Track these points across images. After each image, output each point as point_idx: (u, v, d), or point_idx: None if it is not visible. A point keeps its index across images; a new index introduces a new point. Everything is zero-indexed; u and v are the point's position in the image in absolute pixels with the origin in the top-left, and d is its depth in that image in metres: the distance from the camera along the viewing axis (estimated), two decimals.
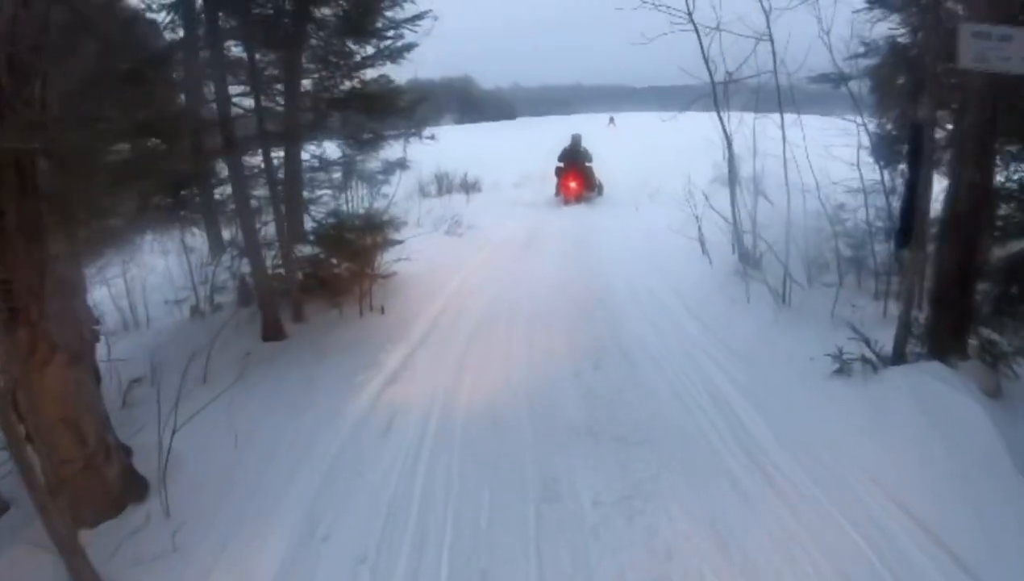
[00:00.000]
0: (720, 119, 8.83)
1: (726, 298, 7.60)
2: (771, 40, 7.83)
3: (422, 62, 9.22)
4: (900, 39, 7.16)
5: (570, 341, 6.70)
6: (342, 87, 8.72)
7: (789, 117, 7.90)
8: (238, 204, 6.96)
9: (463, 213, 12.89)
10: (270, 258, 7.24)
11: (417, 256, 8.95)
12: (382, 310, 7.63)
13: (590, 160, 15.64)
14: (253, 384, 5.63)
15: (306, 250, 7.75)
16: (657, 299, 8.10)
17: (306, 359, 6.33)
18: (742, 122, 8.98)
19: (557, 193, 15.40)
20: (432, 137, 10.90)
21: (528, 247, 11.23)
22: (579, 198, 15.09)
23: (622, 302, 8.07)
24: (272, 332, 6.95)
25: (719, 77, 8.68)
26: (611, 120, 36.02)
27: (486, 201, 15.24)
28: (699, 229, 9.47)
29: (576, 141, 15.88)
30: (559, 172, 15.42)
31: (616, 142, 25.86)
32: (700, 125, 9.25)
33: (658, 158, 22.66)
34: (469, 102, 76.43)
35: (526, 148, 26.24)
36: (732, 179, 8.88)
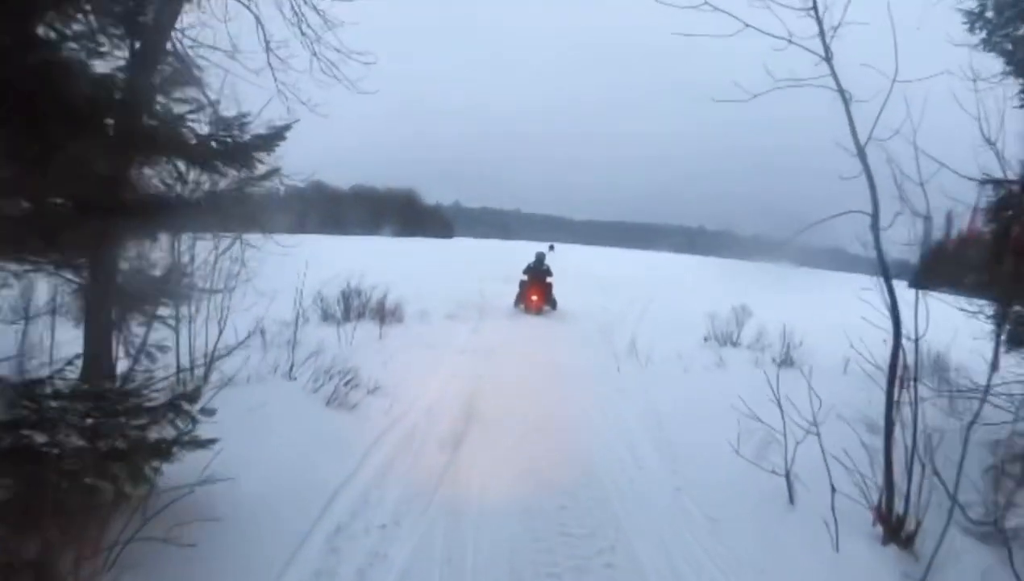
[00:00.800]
0: (887, 281, 4.68)
1: None
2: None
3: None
4: None
5: None
6: None
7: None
8: None
9: (367, 359, 8.28)
10: None
11: (243, 467, 4.18)
12: None
13: (551, 275, 16.22)
14: None
15: None
16: None
17: None
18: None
19: (518, 304, 15.89)
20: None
21: (464, 443, 6.44)
22: (539, 310, 15.52)
23: None
24: None
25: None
26: (551, 248, 33.88)
27: (407, 339, 10.59)
28: (781, 448, 5.06)
29: (540, 258, 16.61)
30: (523, 285, 16.02)
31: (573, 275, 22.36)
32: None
33: (619, 296, 19.23)
34: (410, 216, 74.26)
35: (460, 269, 22.57)
36: (895, 373, 4.63)
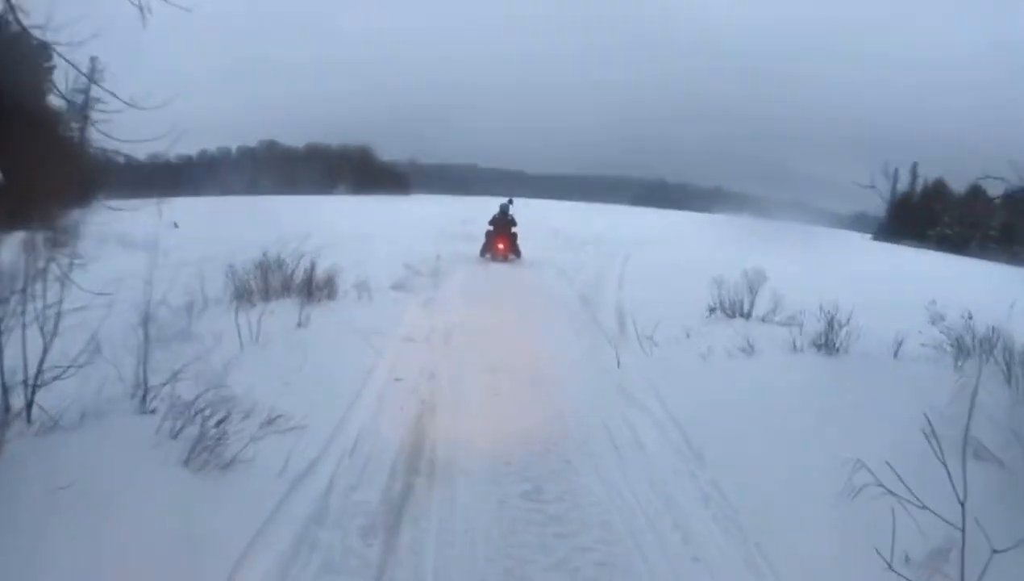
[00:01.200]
0: None
1: None
2: None
3: None
4: None
5: None
6: None
7: None
8: None
9: (273, 363, 5.78)
10: None
11: None
12: None
13: (516, 225, 16.54)
14: None
15: None
16: None
17: None
18: None
19: (484, 253, 16.28)
20: None
21: (405, 529, 3.91)
22: (506, 257, 16.01)
23: None
24: None
25: None
26: (509, 202, 31.23)
27: (337, 324, 7.98)
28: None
29: (504, 208, 16.77)
30: (489, 234, 16.42)
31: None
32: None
33: (592, 254, 16.92)
34: (365, 173, 70.56)
35: (414, 229, 20.07)
36: None
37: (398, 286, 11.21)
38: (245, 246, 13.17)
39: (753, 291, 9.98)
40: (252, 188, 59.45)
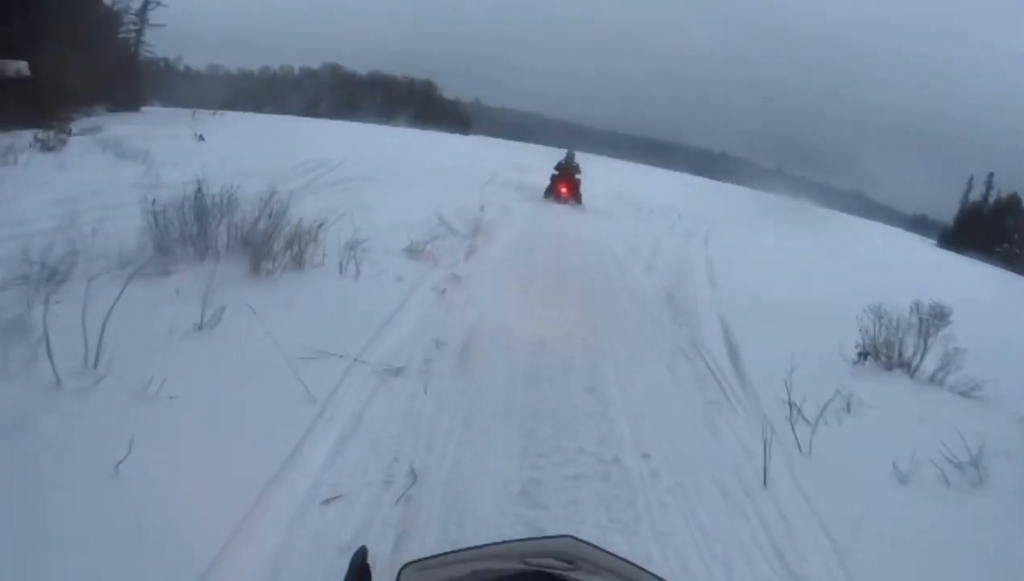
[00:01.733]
0: None
1: None
2: None
3: None
4: None
5: None
6: None
7: None
8: None
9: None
10: None
11: None
12: None
13: (580, 173, 16.59)
14: None
15: None
16: None
17: None
18: None
19: (547, 195, 16.32)
20: None
21: None
22: (568, 200, 16.01)
23: None
24: None
25: None
26: (571, 154, 28.56)
27: (259, 338, 4.36)
28: None
29: (570, 156, 17.04)
30: (554, 178, 16.60)
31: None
32: None
33: (668, 230, 13.48)
34: (427, 108, 66.99)
35: (463, 170, 17.05)
36: None
37: (413, 250, 7.79)
38: (261, 169, 10.35)
39: (926, 331, 6.40)
40: (310, 110, 56.79)
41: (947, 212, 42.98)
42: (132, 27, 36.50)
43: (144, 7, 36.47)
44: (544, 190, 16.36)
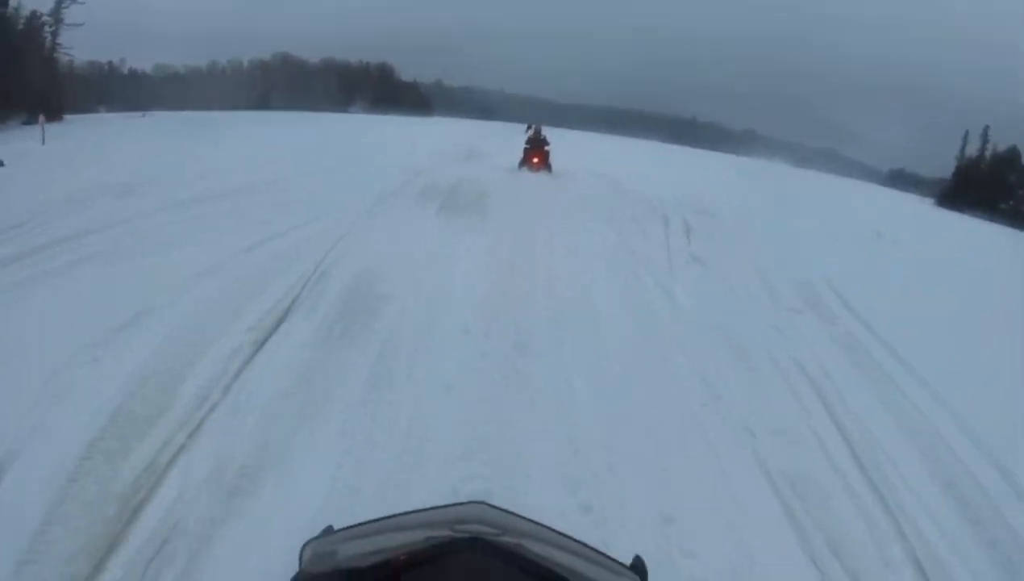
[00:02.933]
0: None
1: None
2: None
3: None
4: None
5: None
6: None
7: None
8: None
9: None
10: None
11: None
12: None
13: (548, 145, 17.39)
14: None
15: None
16: None
17: None
18: None
19: (521, 166, 16.96)
20: None
21: None
22: (540, 169, 16.68)
23: None
24: None
25: None
26: (528, 127, 26.93)
27: None
28: None
29: (537, 130, 17.96)
30: (526, 151, 17.37)
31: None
32: None
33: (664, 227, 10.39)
34: (385, 92, 62.73)
35: (389, 164, 13.70)
36: None
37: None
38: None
39: None
40: (261, 103, 52.37)
41: (925, 166, 40.71)
42: (47, 29, 32.32)
43: (57, 6, 32.15)
44: (518, 162, 17.27)
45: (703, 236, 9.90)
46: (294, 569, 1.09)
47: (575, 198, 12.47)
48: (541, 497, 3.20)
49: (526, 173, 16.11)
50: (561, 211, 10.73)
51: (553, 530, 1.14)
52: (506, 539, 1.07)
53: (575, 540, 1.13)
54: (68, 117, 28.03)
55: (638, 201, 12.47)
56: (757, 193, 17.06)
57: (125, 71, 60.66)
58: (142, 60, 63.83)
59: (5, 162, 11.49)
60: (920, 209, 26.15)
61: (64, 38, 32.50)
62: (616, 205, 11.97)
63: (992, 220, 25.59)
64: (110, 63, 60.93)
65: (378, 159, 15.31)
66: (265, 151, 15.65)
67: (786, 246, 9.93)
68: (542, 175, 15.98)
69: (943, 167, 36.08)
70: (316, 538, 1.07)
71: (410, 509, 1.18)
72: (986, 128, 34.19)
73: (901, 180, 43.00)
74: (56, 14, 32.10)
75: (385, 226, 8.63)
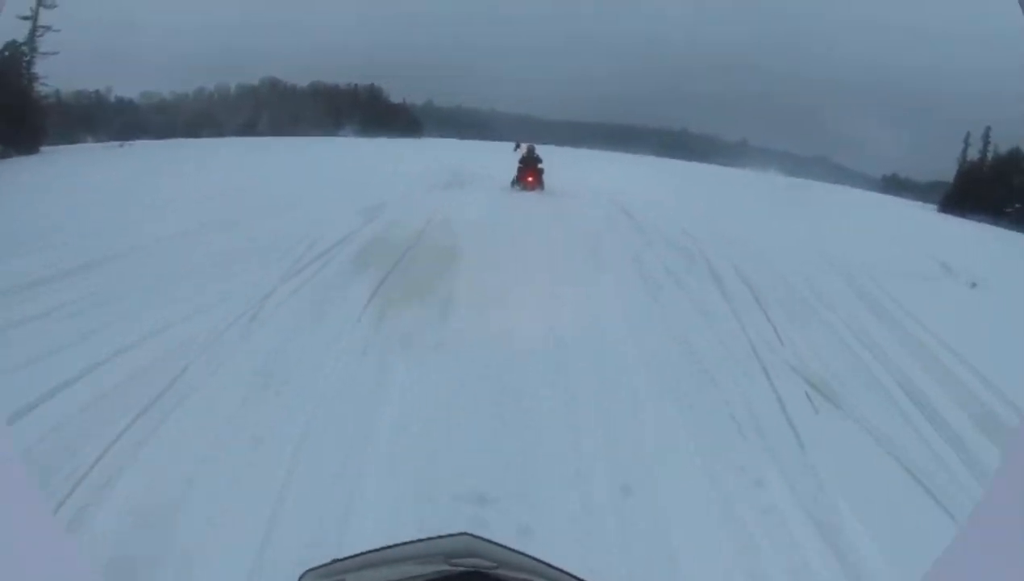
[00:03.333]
0: None
1: None
2: None
3: None
4: None
5: None
6: None
7: None
8: None
9: None
10: None
11: None
12: None
13: (541, 162, 18.21)
14: None
15: None
16: None
17: None
18: None
19: (515, 184, 17.99)
20: None
21: None
22: (533, 188, 17.63)
23: None
24: None
25: None
26: (516, 147, 26.50)
27: None
28: None
29: (530, 149, 18.89)
30: (520, 170, 18.36)
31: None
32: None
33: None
34: (374, 114, 61.14)
35: (350, 197, 11.39)
36: None
37: None
38: None
39: None
40: (248, 130, 50.64)
41: (917, 170, 38.76)
42: (24, 60, 30.62)
43: (31, 35, 30.41)
44: (511, 181, 18.27)
45: (776, 304, 7.50)
46: None
47: (583, 241, 10.15)
48: None
49: (516, 205, 16.13)
50: (569, 273, 8.32)
51: (543, 562, 1.15)
52: (503, 572, 1.11)
53: (567, 573, 1.14)
54: (46, 149, 26.42)
55: (662, 239, 10.22)
56: (782, 217, 14.50)
57: (112, 99, 59.11)
58: (129, 88, 62.24)
59: None
60: (940, 222, 24.14)
61: (41, 68, 30.82)
62: (639, 249, 9.66)
63: (1009, 227, 23.78)
64: (97, 92, 59.38)
65: (335, 192, 12.87)
66: (203, 188, 12.94)
67: (904, 330, 7.26)
68: (538, 209, 15.68)
69: (936, 171, 34.27)
70: (315, 568, 1.11)
71: (393, 543, 1.18)
72: (987, 129, 32.26)
73: (895, 186, 41.18)
74: (30, 43, 30.47)
75: (254, 357, 5.59)
